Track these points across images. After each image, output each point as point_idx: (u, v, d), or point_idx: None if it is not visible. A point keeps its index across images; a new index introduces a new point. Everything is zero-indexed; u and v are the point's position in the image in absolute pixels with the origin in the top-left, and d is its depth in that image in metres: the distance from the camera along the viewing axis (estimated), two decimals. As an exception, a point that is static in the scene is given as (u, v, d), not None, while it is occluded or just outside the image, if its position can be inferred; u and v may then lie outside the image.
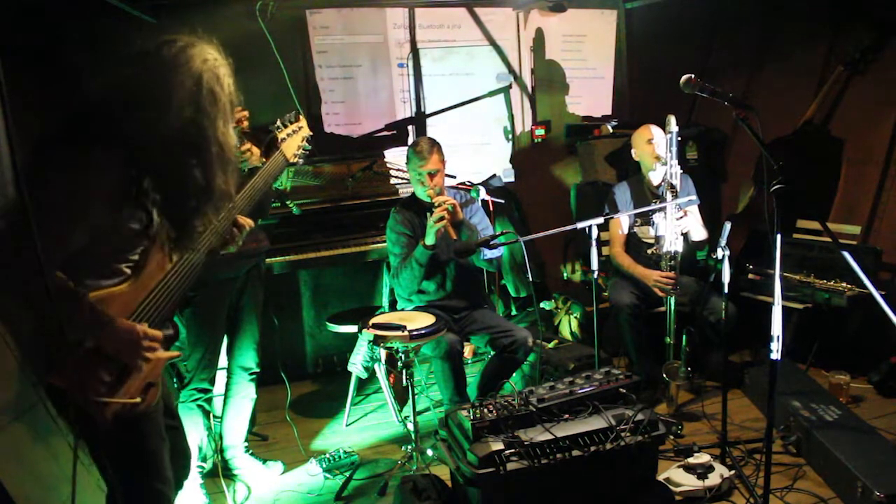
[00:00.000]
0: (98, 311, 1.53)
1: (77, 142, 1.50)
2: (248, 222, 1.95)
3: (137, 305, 1.64)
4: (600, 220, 3.02)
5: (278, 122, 2.29)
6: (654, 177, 3.55)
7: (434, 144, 3.16)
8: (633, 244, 3.66)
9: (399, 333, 2.66)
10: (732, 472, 2.66)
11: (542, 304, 4.35)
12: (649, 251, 3.55)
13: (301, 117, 2.36)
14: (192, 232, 1.67)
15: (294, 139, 2.30)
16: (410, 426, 2.88)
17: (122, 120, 1.51)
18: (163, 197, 1.58)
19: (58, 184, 1.46)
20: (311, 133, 2.38)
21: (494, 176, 4.68)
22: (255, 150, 2.57)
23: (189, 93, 1.54)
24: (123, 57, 1.56)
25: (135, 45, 1.55)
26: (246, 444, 3.01)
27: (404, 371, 2.79)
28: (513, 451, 2.17)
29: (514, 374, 3.23)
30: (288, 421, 3.37)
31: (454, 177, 4.10)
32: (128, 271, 1.61)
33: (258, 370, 2.95)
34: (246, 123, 2.55)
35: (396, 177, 4.04)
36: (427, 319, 2.84)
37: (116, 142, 1.50)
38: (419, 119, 4.59)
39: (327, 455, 3.03)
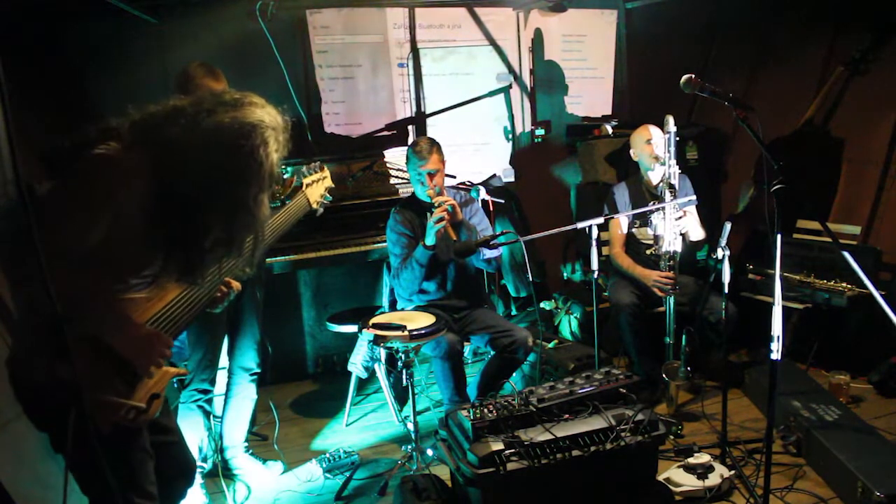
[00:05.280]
0: (119, 310, 1.53)
1: (118, 139, 1.50)
2: (236, 286, 1.96)
3: (153, 315, 1.65)
4: (600, 220, 3.02)
5: (304, 169, 2.42)
6: (653, 177, 3.55)
7: (434, 144, 3.16)
8: (632, 245, 3.66)
9: (399, 333, 2.66)
10: (732, 472, 2.66)
11: (542, 304, 4.34)
12: (648, 251, 3.56)
13: (325, 168, 2.50)
14: (197, 272, 1.64)
15: (318, 187, 2.44)
16: (410, 426, 2.89)
17: (165, 138, 1.51)
18: (180, 228, 1.56)
19: (89, 172, 1.46)
20: (332, 185, 2.53)
21: (494, 176, 4.68)
22: None
23: (230, 144, 1.53)
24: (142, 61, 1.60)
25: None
26: (246, 444, 3.01)
27: (404, 371, 2.79)
28: (513, 451, 2.17)
29: (514, 374, 3.23)
30: (275, 421, 3.33)
31: (454, 177, 4.10)
32: (138, 283, 1.61)
33: (259, 370, 2.94)
34: None
35: (396, 177, 4.04)
36: (427, 319, 2.84)
37: (151, 154, 1.50)
38: (419, 119, 4.59)
39: (327, 455, 3.03)
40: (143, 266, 1.60)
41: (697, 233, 3.56)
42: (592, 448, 2.22)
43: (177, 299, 1.71)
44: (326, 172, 2.49)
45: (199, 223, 1.56)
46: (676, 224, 3.27)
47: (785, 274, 3.71)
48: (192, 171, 1.52)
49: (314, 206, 2.41)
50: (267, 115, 1.60)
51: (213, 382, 2.76)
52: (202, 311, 1.83)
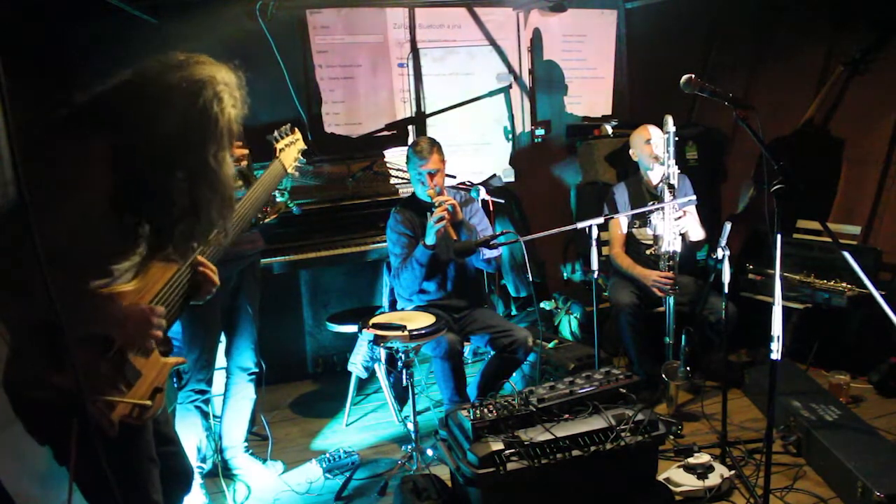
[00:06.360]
0: (101, 293, 1.50)
1: (68, 131, 1.48)
2: (213, 279, 1.83)
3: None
4: (600, 220, 3.02)
5: (275, 133, 2.33)
6: (653, 177, 3.56)
7: (434, 144, 3.16)
8: (632, 245, 3.66)
9: (399, 333, 2.66)
10: (732, 472, 2.66)
11: (542, 304, 4.34)
12: (648, 251, 3.56)
13: (296, 130, 2.41)
14: (170, 246, 1.62)
15: (291, 150, 2.35)
16: (410, 426, 2.89)
17: (116, 114, 1.49)
18: (146, 204, 1.54)
19: (47, 171, 1.43)
20: (305, 147, 2.44)
21: (494, 176, 4.68)
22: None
23: (182, 103, 1.50)
24: (137, 60, 1.54)
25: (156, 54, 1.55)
26: (246, 444, 3.01)
27: (404, 371, 2.79)
28: (513, 451, 2.17)
29: (514, 374, 3.23)
30: (276, 423, 3.32)
31: (454, 177, 4.10)
32: (122, 272, 1.58)
33: (257, 370, 2.94)
34: (245, 163, 2.54)
35: (396, 177, 4.04)
36: (427, 319, 2.84)
37: (106, 135, 1.47)
38: (419, 119, 4.59)
39: (327, 455, 3.03)
40: (121, 251, 1.57)
41: (697, 233, 3.56)
42: (592, 448, 2.22)
43: (167, 285, 1.68)
44: (298, 135, 2.42)
45: (163, 192, 1.53)
46: (676, 224, 3.27)
47: (785, 274, 3.71)
48: (149, 140, 1.48)
49: (290, 170, 2.33)
50: (217, 70, 1.56)
51: (209, 383, 2.76)
52: (186, 300, 1.79)
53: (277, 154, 2.29)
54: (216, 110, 1.53)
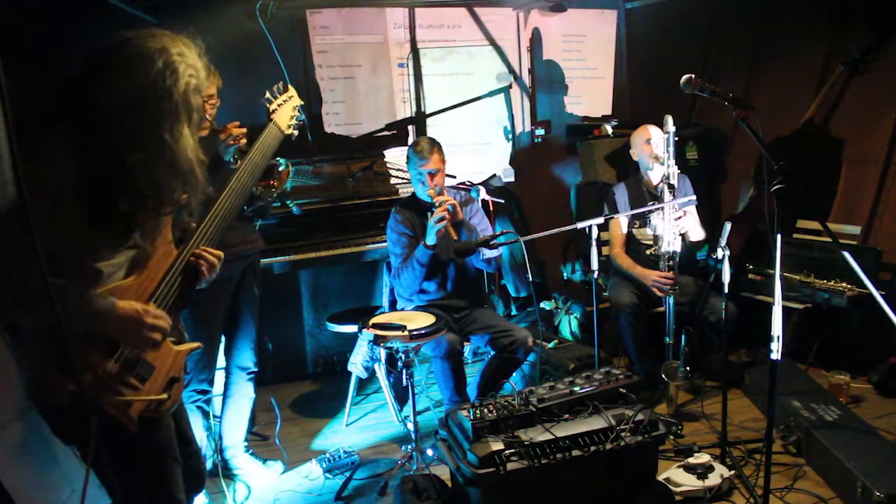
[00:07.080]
0: (89, 296, 1.48)
1: (25, 132, 1.44)
2: (208, 257, 1.78)
3: (147, 298, 1.62)
4: (600, 220, 3.02)
5: (267, 94, 2.20)
6: (653, 177, 3.56)
7: (434, 144, 3.16)
8: (632, 245, 3.66)
9: (399, 333, 2.66)
10: (732, 472, 2.66)
11: (542, 304, 4.34)
12: (648, 251, 3.56)
13: (290, 87, 2.27)
14: (140, 231, 1.59)
15: (285, 109, 2.20)
16: (410, 426, 2.88)
17: (68, 103, 1.47)
18: (109, 190, 1.49)
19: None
20: (302, 102, 2.30)
21: (494, 176, 4.68)
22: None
23: (133, 79, 1.45)
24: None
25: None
26: (246, 443, 3.01)
27: (404, 371, 2.79)
28: (513, 451, 2.17)
29: (514, 374, 3.23)
30: (276, 419, 3.31)
31: (454, 177, 4.10)
32: (109, 269, 1.56)
33: (256, 370, 2.95)
34: (244, 141, 2.48)
35: (396, 177, 4.04)
36: (427, 319, 2.84)
37: (60, 126, 1.46)
38: (419, 119, 4.59)
39: (327, 455, 3.03)
40: (99, 247, 1.54)
41: (697, 233, 3.56)
42: (592, 448, 2.22)
43: (167, 275, 1.66)
44: (292, 91, 2.25)
45: (124, 176, 1.49)
46: (676, 224, 3.27)
47: (785, 274, 3.71)
48: (102, 122, 1.46)
49: (287, 131, 2.17)
50: (171, 42, 1.50)
51: (211, 383, 2.76)
52: (189, 286, 1.75)
53: (271, 115, 2.15)
54: (169, 83, 1.47)
